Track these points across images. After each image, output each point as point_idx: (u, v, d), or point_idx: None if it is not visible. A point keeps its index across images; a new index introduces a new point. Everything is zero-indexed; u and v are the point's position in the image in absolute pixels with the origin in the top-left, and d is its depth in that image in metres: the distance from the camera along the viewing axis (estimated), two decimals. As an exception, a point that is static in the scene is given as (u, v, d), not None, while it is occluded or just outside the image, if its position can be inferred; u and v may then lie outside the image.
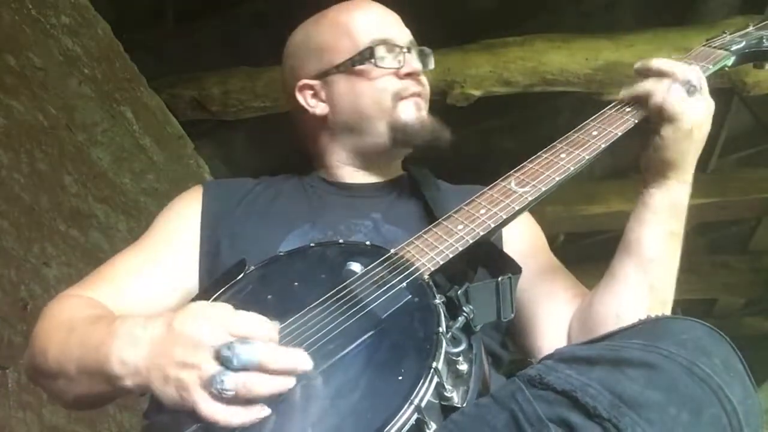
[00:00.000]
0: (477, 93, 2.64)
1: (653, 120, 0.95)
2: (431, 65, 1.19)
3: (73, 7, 2.23)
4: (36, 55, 2.04)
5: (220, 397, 0.68)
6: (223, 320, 0.73)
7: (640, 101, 0.97)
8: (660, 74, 0.96)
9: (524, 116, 3.24)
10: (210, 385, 0.68)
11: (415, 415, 0.67)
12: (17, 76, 1.95)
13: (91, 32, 2.31)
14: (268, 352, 0.70)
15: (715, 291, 4.56)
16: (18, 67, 1.96)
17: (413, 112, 1.13)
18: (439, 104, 2.64)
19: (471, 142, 3.26)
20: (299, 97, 1.17)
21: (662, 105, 0.93)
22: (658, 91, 0.94)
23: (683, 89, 0.94)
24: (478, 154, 3.33)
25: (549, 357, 0.74)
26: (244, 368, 0.69)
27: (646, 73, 0.98)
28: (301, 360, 0.72)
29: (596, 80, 2.59)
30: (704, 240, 4.43)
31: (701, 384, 0.64)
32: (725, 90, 2.85)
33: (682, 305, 4.44)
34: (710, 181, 3.42)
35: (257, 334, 0.72)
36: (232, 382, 0.68)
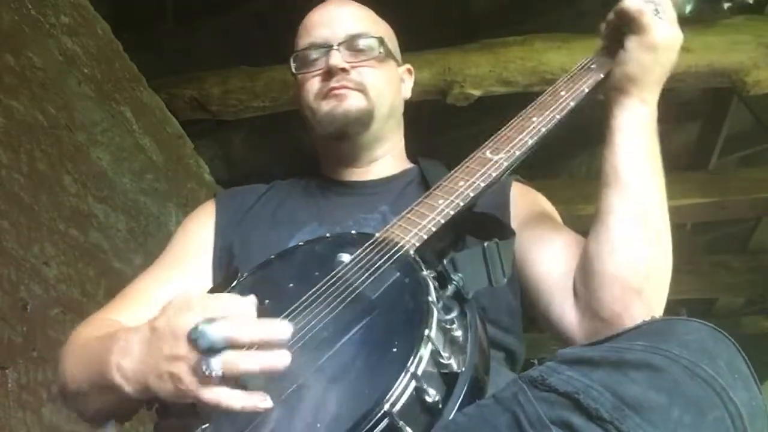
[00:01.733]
0: (477, 93, 2.64)
1: (624, 28, 1.00)
2: (373, 53, 1.18)
3: (73, 7, 2.23)
4: (36, 55, 2.03)
5: (212, 381, 0.69)
6: (199, 307, 0.74)
7: (621, 14, 1.01)
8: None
9: (524, 116, 3.23)
10: (199, 371, 0.69)
11: (413, 383, 0.67)
12: (17, 76, 1.95)
13: (91, 32, 2.31)
14: (236, 325, 0.71)
15: (715, 291, 4.55)
16: (18, 67, 1.96)
17: (333, 105, 1.15)
18: (439, 104, 2.64)
19: (471, 142, 3.25)
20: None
21: (638, 11, 0.97)
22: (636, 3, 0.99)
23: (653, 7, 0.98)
24: (478, 154, 3.32)
25: (551, 358, 0.73)
26: (219, 347, 0.69)
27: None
28: (276, 328, 0.72)
29: (596, 80, 2.59)
30: (704, 240, 4.43)
31: (704, 386, 0.64)
32: (725, 90, 2.85)
33: (682, 305, 4.44)
34: (710, 181, 3.42)
35: (231, 311, 0.73)
36: (219, 362, 0.69)
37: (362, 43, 1.19)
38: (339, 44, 1.16)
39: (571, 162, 3.62)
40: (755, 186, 3.46)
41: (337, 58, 1.15)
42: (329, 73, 1.15)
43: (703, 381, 0.64)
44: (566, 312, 0.97)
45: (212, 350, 0.69)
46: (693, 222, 3.86)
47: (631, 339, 0.71)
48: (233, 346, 0.70)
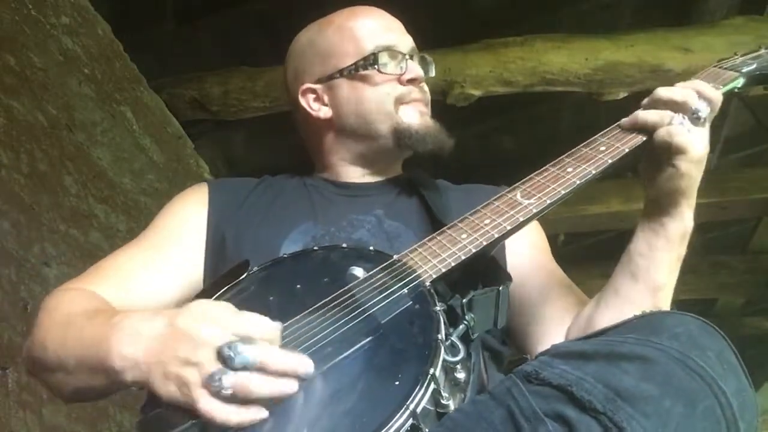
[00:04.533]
0: (477, 93, 2.64)
1: (660, 152, 0.94)
2: (432, 72, 1.22)
3: (73, 7, 2.23)
4: (36, 55, 2.04)
5: (218, 395, 0.68)
6: (227, 320, 0.73)
7: (645, 132, 0.95)
8: (669, 104, 0.95)
9: (524, 116, 3.24)
10: (209, 383, 0.68)
11: (410, 421, 0.67)
12: (17, 76, 1.95)
13: (91, 32, 2.32)
14: (269, 353, 0.70)
15: (715, 291, 4.55)
16: (18, 67, 1.96)
17: (417, 116, 1.14)
18: (439, 104, 2.64)
19: (471, 143, 3.26)
20: (302, 101, 1.19)
21: (670, 141, 0.92)
22: (659, 124, 0.93)
23: (687, 121, 0.93)
24: (478, 154, 3.33)
25: (545, 353, 0.74)
26: (244, 367, 0.69)
27: (655, 106, 0.97)
28: (301, 363, 0.72)
29: (596, 80, 2.59)
30: (704, 240, 4.43)
31: (695, 377, 0.65)
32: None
33: (682, 305, 4.43)
34: (710, 181, 3.40)
35: (260, 334, 0.72)
36: (231, 380, 0.68)
37: (429, 61, 1.21)
38: (412, 55, 1.16)
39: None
40: (755, 186, 3.47)
41: (420, 69, 1.16)
42: (414, 81, 1.15)
43: (693, 372, 0.65)
44: None
45: (232, 367, 0.69)
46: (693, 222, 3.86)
47: (622, 332, 0.72)
48: (258, 370, 0.69)
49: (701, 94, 0.95)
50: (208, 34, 2.68)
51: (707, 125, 0.96)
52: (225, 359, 0.69)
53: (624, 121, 0.99)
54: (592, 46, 2.59)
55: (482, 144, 3.29)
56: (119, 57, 2.47)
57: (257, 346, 0.70)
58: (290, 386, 0.70)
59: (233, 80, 2.70)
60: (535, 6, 2.75)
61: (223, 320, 0.73)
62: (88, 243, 2.16)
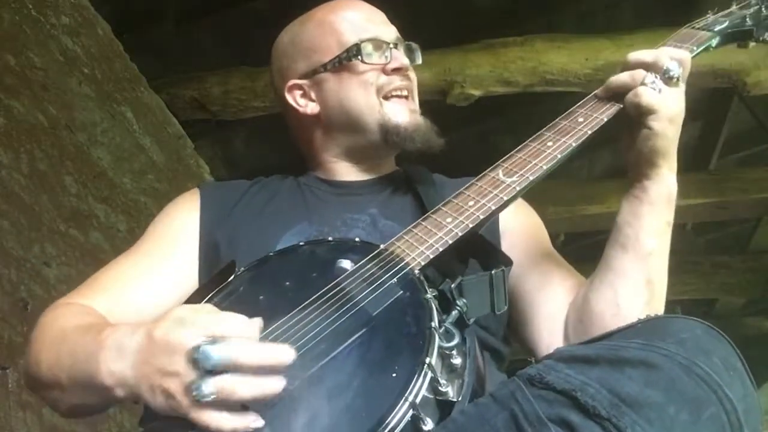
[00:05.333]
0: (477, 93, 2.64)
1: (632, 114, 0.94)
2: (418, 60, 1.21)
3: (73, 7, 2.23)
4: (36, 55, 2.04)
5: (202, 403, 0.67)
6: (202, 323, 0.72)
7: (617, 96, 0.97)
8: (639, 66, 0.96)
9: (524, 116, 3.24)
10: (190, 392, 0.68)
11: (411, 412, 0.67)
12: (17, 76, 1.95)
13: (91, 32, 2.32)
14: (241, 349, 0.69)
15: (715, 291, 4.55)
16: (18, 67, 1.96)
17: (406, 114, 1.13)
18: (439, 104, 2.64)
19: (471, 142, 3.26)
20: (288, 98, 1.18)
21: (638, 101, 0.93)
22: (632, 86, 0.94)
23: (659, 81, 0.93)
24: (477, 154, 3.33)
25: (549, 357, 0.74)
26: (219, 369, 0.68)
27: (627, 68, 0.98)
28: (279, 352, 0.70)
29: (596, 80, 2.59)
30: (704, 240, 4.43)
31: (700, 383, 0.64)
32: (725, 90, 2.85)
33: (682, 305, 4.44)
34: (710, 181, 3.42)
35: (235, 333, 0.71)
36: (210, 386, 0.67)
37: (414, 48, 1.20)
38: (396, 44, 1.15)
39: (570, 164, 3.64)
40: (755, 186, 3.47)
41: (405, 58, 1.15)
42: (399, 70, 1.13)
43: (698, 378, 0.65)
44: (553, 342, 0.97)
45: (212, 372, 0.67)
46: (693, 222, 3.87)
47: (627, 337, 0.71)
48: (234, 369, 0.68)
49: (671, 55, 0.97)
50: (208, 34, 2.68)
51: (682, 85, 0.96)
52: (195, 363, 0.68)
53: (599, 89, 1.00)
54: (592, 46, 2.59)
55: (482, 144, 3.29)
56: (119, 57, 2.47)
57: (225, 345, 0.68)
58: (275, 384, 0.69)
59: (233, 80, 2.70)
60: (535, 6, 2.75)
61: (199, 323, 0.72)
62: (88, 243, 2.16)
